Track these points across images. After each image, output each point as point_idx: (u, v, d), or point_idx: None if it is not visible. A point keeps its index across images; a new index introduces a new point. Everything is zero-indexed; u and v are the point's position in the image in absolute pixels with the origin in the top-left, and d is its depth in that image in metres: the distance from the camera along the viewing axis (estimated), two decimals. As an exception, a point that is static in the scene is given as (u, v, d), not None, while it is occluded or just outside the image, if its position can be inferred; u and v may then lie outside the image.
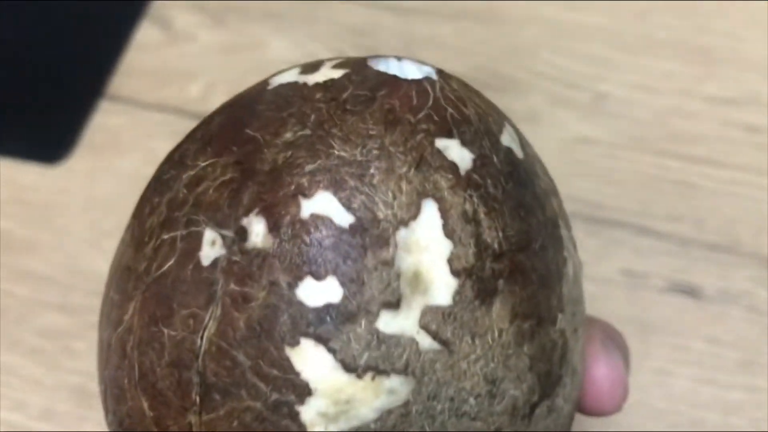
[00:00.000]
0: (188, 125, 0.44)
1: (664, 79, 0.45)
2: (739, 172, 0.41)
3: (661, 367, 0.36)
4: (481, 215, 0.19)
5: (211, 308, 0.18)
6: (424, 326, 0.18)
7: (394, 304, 0.18)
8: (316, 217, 0.18)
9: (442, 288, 0.18)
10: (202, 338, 0.18)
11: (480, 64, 0.45)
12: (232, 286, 0.18)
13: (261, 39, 0.47)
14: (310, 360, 0.18)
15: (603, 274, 0.39)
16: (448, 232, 0.18)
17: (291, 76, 0.21)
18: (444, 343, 0.18)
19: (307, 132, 0.19)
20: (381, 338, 0.18)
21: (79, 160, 0.44)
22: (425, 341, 0.18)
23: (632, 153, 0.42)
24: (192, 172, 0.19)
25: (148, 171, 0.43)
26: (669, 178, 0.41)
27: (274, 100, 0.20)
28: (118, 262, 0.21)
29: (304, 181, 0.18)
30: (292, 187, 0.18)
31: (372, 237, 0.18)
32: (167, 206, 0.19)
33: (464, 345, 0.19)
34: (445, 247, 0.18)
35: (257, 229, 0.18)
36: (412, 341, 0.18)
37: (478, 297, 0.19)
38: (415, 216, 0.18)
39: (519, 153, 0.21)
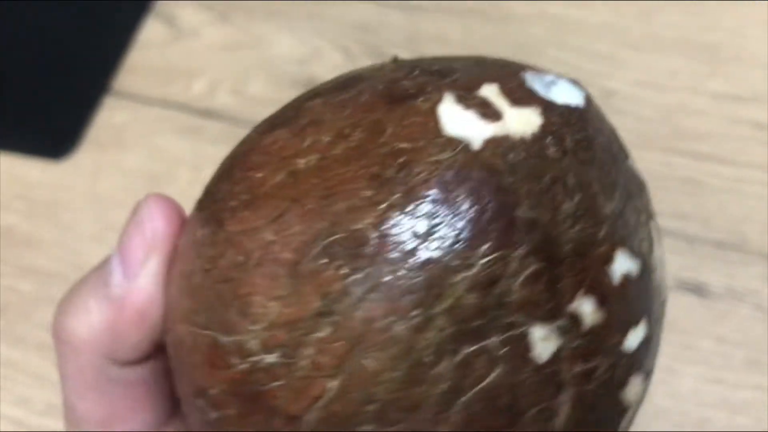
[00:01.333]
0: (193, 121, 0.44)
1: (671, 76, 0.44)
2: (746, 170, 0.41)
3: (667, 365, 0.36)
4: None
5: (561, 396, 0.19)
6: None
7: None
8: (624, 277, 0.20)
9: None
10: (554, 426, 0.20)
11: (486, 61, 0.45)
12: (578, 367, 0.19)
13: (266, 36, 0.47)
14: (635, 390, 0.21)
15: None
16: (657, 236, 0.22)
17: (476, 126, 0.20)
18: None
19: (579, 197, 0.20)
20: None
21: (84, 156, 0.44)
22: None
23: (638, 150, 0.42)
24: (468, 273, 0.18)
25: (153, 167, 0.43)
26: (675, 176, 0.41)
27: (516, 167, 0.19)
28: (366, 389, 0.18)
29: (604, 249, 0.20)
30: (599, 260, 0.20)
31: (651, 271, 0.21)
32: (449, 319, 0.18)
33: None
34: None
35: (587, 309, 0.19)
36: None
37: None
38: (655, 240, 0.22)
39: None
